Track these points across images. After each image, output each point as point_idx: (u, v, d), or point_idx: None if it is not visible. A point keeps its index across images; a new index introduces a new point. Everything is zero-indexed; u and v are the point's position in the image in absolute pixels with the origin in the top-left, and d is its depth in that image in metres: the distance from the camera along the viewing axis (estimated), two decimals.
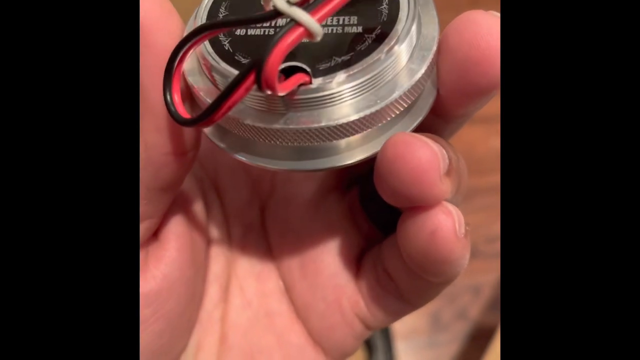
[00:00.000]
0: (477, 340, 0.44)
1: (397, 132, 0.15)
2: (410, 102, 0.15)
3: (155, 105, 0.15)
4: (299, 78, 0.14)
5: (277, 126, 0.14)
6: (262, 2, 0.15)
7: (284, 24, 0.12)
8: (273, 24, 0.16)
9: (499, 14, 0.15)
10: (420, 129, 0.16)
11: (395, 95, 0.14)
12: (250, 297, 0.21)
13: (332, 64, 0.14)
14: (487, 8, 0.15)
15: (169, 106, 0.15)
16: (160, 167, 0.16)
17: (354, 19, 0.15)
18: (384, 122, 0.15)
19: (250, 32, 0.16)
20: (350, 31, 0.15)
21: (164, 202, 0.18)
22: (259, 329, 0.21)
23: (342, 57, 0.14)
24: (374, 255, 0.20)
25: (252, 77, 0.12)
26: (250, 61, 0.12)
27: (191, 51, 0.15)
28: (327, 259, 0.20)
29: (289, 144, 0.15)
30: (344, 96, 0.14)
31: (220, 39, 0.15)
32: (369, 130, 0.15)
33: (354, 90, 0.14)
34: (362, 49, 0.14)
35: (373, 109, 0.14)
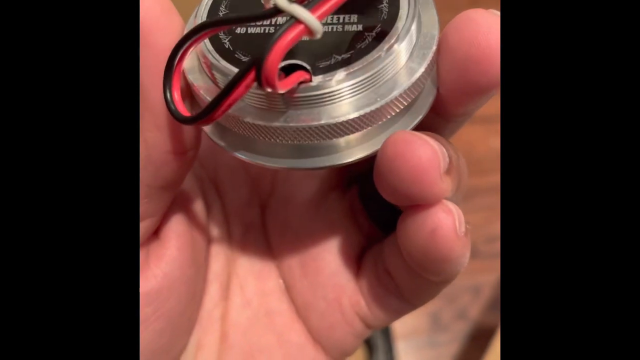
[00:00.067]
0: (477, 340, 0.44)
1: (397, 131, 0.15)
2: (410, 101, 0.15)
3: (155, 104, 0.15)
4: (299, 76, 0.14)
5: (277, 124, 0.14)
6: (262, 0, 0.15)
7: (284, 22, 0.12)
8: (273, 22, 0.16)
9: (499, 13, 0.15)
10: (420, 127, 0.16)
11: (395, 93, 0.14)
12: (250, 296, 0.21)
13: (332, 62, 0.14)
14: (487, 8, 0.15)
15: (168, 104, 0.15)
16: (160, 166, 0.16)
17: (354, 18, 0.15)
18: (384, 120, 0.15)
19: (251, 30, 0.16)
20: (350, 29, 0.15)
21: (165, 201, 0.18)
22: (259, 328, 0.21)
23: (342, 55, 0.14)
24: (375, 254, 0.20)
25: (252, 75, 0.12)
26: (250, 59, 0.12)
27: (191, 49, 0.15)
28: (328, 258, 0.20)
29: (289, 142, 0.15)
30: (343, 94, 0.14)
31: (221, 37, 0.15)
32: (369, 128, 0.15)
33: (354, 88, 0.14)
34: (362, 47, 0.14)
35: (373, 107, 0.14)
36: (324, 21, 0.13)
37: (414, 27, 0.15)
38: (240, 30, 0.16)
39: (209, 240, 0.21)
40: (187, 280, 0.19)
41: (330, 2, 0.13)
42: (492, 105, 0.17)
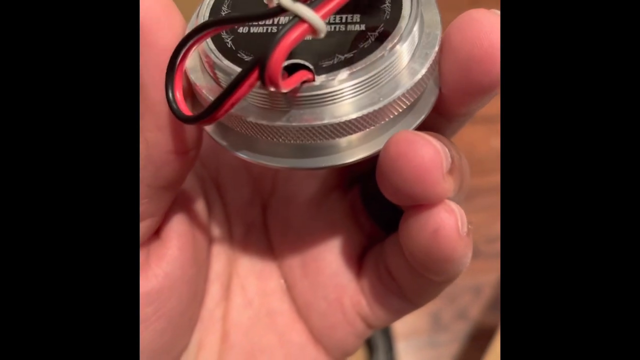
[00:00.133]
0: (478, 340, 0.44)
1: (399, 130, 0.15)
2: (412, 101, 0.15)
3: (156, 103, 0.15)
4: (302, 75, 0.14)
5: (279, 123, 0.14)
6: (265, 1, 0.15)
7: (287, 22, 0.12)
8: (275, 22, 0.16)
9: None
10: (422, 127, 0.16)
11: (398, 93, 0.14)
12: (251, 296, 0.21)
13: (335, 62, 0.14)
14: (488, 8, 0.15)
15: (171, 104, 0.15)
16: (161, 166, 0.16)
17: (357, 17, 0.15)
18: (386, 120, 0.15)
19: (253, 29, 0.16)
20: (353, 29, 0.15)
21: (166, 201, 0.18)
22: (260, 328, 0.21)
23: (345, 55, 0.14)
24: (376, 253, 0.20)
25: (255, 74, 0.12)
26: (254, 57, 0.12)
27: (194, 48, 0.15)
28: (329, 258, 0.20)
29: (292, 141, 0.15)
30: (346, 94, 0.14)
31: (223, 36, 0.15)
32: (371, 128, 0.15)
33: (357, 88, 0.14)
34: (365, 46, 0.14)
35: (375, 107, 0.14)
36: (326, 21, 0.13)
37: (416, 27, 0.15)
38: (242, 29, 0.16)
39: (210, 240, 0.21)
40: (188, 280, 0.19)
41: (334, 1, 0.13)
42: (494, 106, 0.17)
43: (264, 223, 0.22)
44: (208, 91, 0.15)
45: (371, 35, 0.15)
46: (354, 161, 0.15)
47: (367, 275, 0.20)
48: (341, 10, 0.14)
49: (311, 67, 0.14)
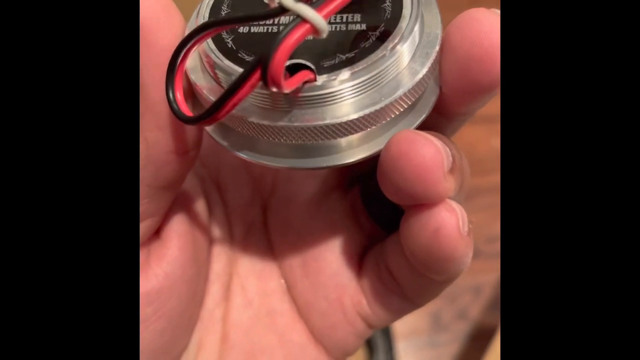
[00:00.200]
0: (478, 340, 0.44)
1: (401, 130, 0.15)
2: (413, 100, 0.15)
3: (156, 103, 0.15)
4: (303, 75, 0.14)
5: (281, 124, 0.14)
6: (266, 1, 0.15)
7: (287, 22, 0.12)
8: (276, 22, 0.16)
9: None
10: (422, 127, 0.16)
11: (399, 93, 0.14)
12: (251, 296, 0.21)
13: (336, 62, 0.14)
14: (488, 7, 0.15)
15: (171, 104, 0.15)
16: (161, 166, 0.16)
17: (358, 17, 0.15)
18: (387, 120, 0.15)
19: (254, 29, 0.16)
20: (354, 29, 0.15)
21: (166, 201, 0.18)
22: (260, 328, 0.21)
23: (346, 55, 0.14)
24: (376, 253, 0.20)
25: (257, 74, 0.12)
26: (256, 58, 0.12)
27: (194, 49, 0.15)
28: (329, 258, 0.20)
29: (293, 141, 0.15)
30: (348, 94, 0.14)
31: (223, 36, 0.15)
32: (372, 128, 0.15)
33: (358, 87, 0.14)
34: (366, 46, 0.14)
35: (377, 107, 0.14)
36: (327, 20, 0.13)
37: (417, 26, 0.15)
38: (243, 29, 0.16)
39: (210, 240, 0.21)
40: (188, 280, 0.19)
41: (335, 1, 0.13)
42: (494, 105, 0.17)
43: (264, 223, 0.22)
44: (208, 91, 0.15)
45: (372, 34, 0.15)
46: (355, 161, 0.15)
47: (367, 275, 0.20)
48: (342, 10, 0.14)
49: (312, 67, 0.14)
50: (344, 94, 0.14)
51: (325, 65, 0.14)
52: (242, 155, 0.16)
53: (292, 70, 0.14)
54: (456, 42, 0.15)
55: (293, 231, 0.21)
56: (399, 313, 0.20)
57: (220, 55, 0.15)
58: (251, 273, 0.21)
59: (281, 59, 0.12)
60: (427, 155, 0.14)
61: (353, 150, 0.16)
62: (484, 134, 0.52)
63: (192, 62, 0.16)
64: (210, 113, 0.13)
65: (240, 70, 0.14)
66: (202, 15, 0.16)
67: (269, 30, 0.15)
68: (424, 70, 0.15)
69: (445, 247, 0.15)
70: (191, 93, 0.16)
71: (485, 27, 0.14)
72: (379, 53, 0.14)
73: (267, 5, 0.15)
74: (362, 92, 0.14)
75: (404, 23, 0.15)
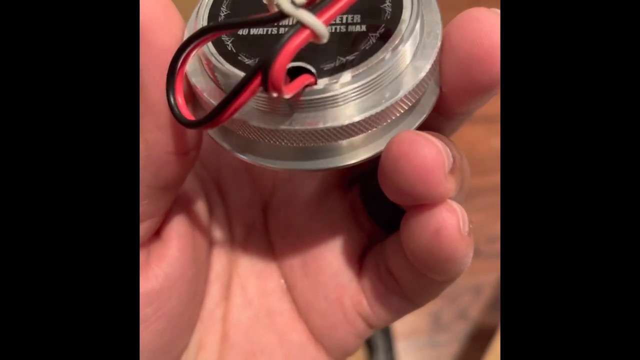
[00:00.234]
0: (478, 340, 0.44)
1: (401, 131, 0.15)
2: (414, 101, 0.15)
3: (156, 104, 0.15)
4: (304, 79, 0.14)
5: (282, 127, 0.14)
6: (265, 3, 0.15)
7: (287, 24, 0.12)
8: (276, 23, 0.15)
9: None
10: (421, 126, 0.16)
11: (400, 94, 0.14)
12: (251, 296, 0.21)
13: (337, 64, 0.14)
14: (488, 7, 0.15)
15: (172, 109, 0.15)
16: (161, 166, 0.16)
17: (357, 18, 0.15)
18: (389, 121, 0.15)
19: (253, 31, 0.15)
20: (354, 30, 0.15)
21: (166, 201, 0.18)
22: (260, 328, 0.21)
23: (347, 57, 0.14)
24: (377, 253, 0.20)
25: (258, 80, 0.12)
26: (256, 64, 0.12)
27: (193, 53, 0.15)
28: (329, 258, 0.20)
29: (294, 144, 0.15)
30: (349, 96, 0.14)
31: (223, 38, 0.15)
32: (374, 130, 0.15)
33: (359, 90, 0.14)
34: (367, 48, 0.14)
35: (378, 109, 0.14)
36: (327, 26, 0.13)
37: (417, 27, 0.15)
38: (242, 31, 0.16)
39: (210, 241, 0.21)
40: (189, 280, 0.19)
41: (336, 6, 0.12)
42: (494, 105, 0.17)
43: (265, 223, 0.22)
44: (209, 94, 0.15)
45: (372, 36, 0.15)
46: (356, 162, 0.15)
47: (367, 275, 0.20)
48: None
49: (313, 70, 0.14)
50: (345, 97, 0.14)
51: (325, 68, 0.14)
52: (243, 157, 0.16)
53: (293, 73, 0.14)
54: (456, 42, 0.15)
55: (293, 231, 0.21)
56: (399, 313, 0.20)
57: (220, 59, 0.15)
58: (251, 273, 0.21)
59: (282, 65, 0.12)
60: (428, 155, 0.14)
61: (354, 152, 0.16)
62: (484, 133, 0.52)
63: (192, 64, 0.16)
64: (212, 118, 0.13)
65: (240, 73, 0.14)
66: (202, 15, 0.16)
67: (269, 32, 0.15)
68: (425, 71, 0.15)
69: (446, 247, 0.15)
70: (192, 95, 0.16)
71: (486, 26, 0.14)
72: (379, 55, 0.14)
73: (266, 5, 0.15)
74: (363, 94, 0.14)
75: (404, 24, 0.15)
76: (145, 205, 0.17)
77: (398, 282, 0.19)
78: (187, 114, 0.15)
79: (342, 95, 0.14)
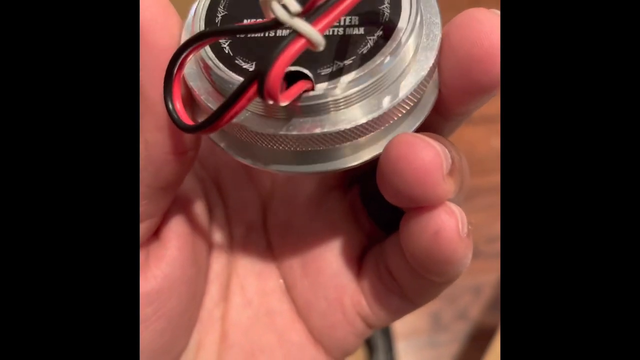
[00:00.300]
0: (478, 340, 0.44)
1: (400, 133, 0.15)
2: (413, 104, 0.15)
3: (155, 104, 0.15)
4: (301, 86, 0.14)
5: (280, 132, 0.14)
6: (261, 8, 0.15)
7: (285, 36, 0.12)
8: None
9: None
10: (420, 127, 0.16)
11: (400, 97, 0.14)
12: (251, 296, 0.21)
13: (335, 69, 0.14)
14: (488, 7, 0.15)
15: (171, 113, 0.15)
16: (161, 167, 0.16)
17: (355, 20, 0.15)
18: (387, 125, 0.15)
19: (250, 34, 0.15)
20: (351, 32, 0.15)
21: (165, 201, 0.18)
22: (259, 328, 0.21)
23: (345, 61, 0.14)
24: (376, 253, 0.20)
25: (254, 88, 0.12)
26: (252, 72, 0.12)
27: (190, 57, 0.15)
28: (329, 258, 0.20)
29: (292, 149, 0.14)
30: (347, 101, 0.14)
31: (220, 41, 0.15)
32: (372, 133, 0.14)
33: (357, 94, 0.14)
34: (365, 52, 0.14)
35: (377, 114, 0.14)
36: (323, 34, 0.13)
37: (416, 28, 0.15)
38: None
39: (209, 240, 0.21)
40: (188, 280, 0.19)
41: (331, 15, 0.12)
42: (493, 105, 0.17)
43: (264, 223, 0.22)
44: (207, 97, 0.15)
45: (370, 38, 0.14)
46: (355, 165, 0.15)
47: (367, 275, 0.20)
48: None
49: (310, 75, 0.14)
50: (344, 102, 0.14)
51: (323, 73, 0.14)
52: (243, 160, 0.16)
53: (289, 77, 0.14)
54: (456, 43, 0.15)
55: (292, 231, 0.21)
56: (399, 313, 0.20)
57: (217, 62, 0.15)
58: (250, 273, 0.21)
59: (277, 74, 0.12)
60: (427, 158, 0.14)
61: (354, 155, 0.15)
62: (483, 133, 0.52)
63: (190, 67, 0.16)
64: (209, 123, 0.13)
65: (237, 78, 0.14)
66: (199, 16, 0.16)
67: (266, 34, 0.15)
68: (424, 73, 0.14)
69: (445, 249, 0.15)
70: (191, 97, 0.16)
71: (486, 27, 0.14)
72: (377, 59, 0.14)
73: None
74: (361, 98, 0.14)
75: (402, 25, 0.14)
76: (145, 205, 0.17)
77: (397, 283, 0.19)
78: (185, 117, 0.15)
79: (340, 100, 0.14)
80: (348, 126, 0.14)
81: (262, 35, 0.15)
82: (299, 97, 0.14)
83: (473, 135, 0.52)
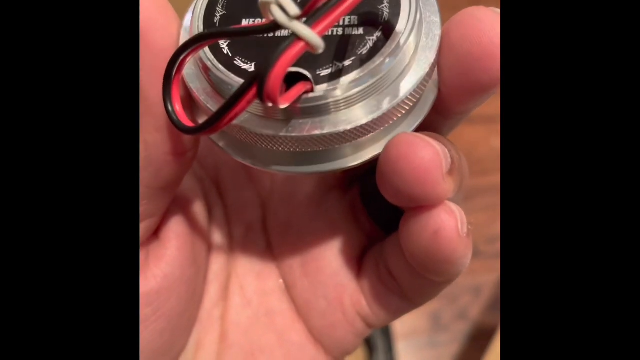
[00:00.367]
0: (477, 340, 0.44)
1: (400, 132, 0.15)
2: (413, 104, 0.15)
3: (154, 104, 0.15)
4: (300, 88, 0.14)
5: (280, 134, 0.14)
6: (260, 10, 0.15)
7: (285, 38, 0.12)
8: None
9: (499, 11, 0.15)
10: (419, 126, 0.16)
11: (400, 98, 0.14)
12: (250, 295, 0.21)
13: (334, 70, 0.14)
14: (488, 6, 0.15)
15: (170, 115, 0.15)
16: (160, 167, 0.16)
17: (354, 20, 0.15)
18: (387, 125, 0.15)
19: None
20: (351, 33, 0.15)
21: (164, 201, 0.18)
22: (259, 328, 0.21)
23: (344, 62, 0.14)
24: (376, 253, 0.20)
25: (253, 91, 0.12)
26: (251, 74, 0.12)
27: (189, 59, 0.15)
28: (329, 257, 0.20)
29: (292, 149, 0.14)
30: (347, 102, 0.14)
31: (219, 41, 0.15)
32: (372, 134, 0.14)
33: (357, 95, 0.14)
34: (364, 52, 0.14)
35: (376, 114, 0.14)
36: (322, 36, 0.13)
37: (415, 28, 0.15)
38: None
39: (209, 240, 0.21)
40: (187, 280, 0.19)
41: (330, 17, 0.12)
42: (493, 105, 0.17)
43: (264, 223, 0.22)
44: (206, 98, 0.15)
45: (370, 39, 0.14)
46: (355, 165, 0.15)
47: (367, 274, 0.20)
48: None
49: (310, 76, 0.14)
50: (343, 103, 0.14)
51: (322, 74, 0.14)
52: (242, 160, 0.16)
53: (289, 78, 0.14)
54: (456, 41, 0.15)
55: (292, 231, 0.21)
56: (399, 313, 0.20)
57: (216, 63, 0.15)
58: (250, 273, 0.21)
59: (277, 77, 0.12)
60: (426, 157, 0.14)
61: (354, 155, 0.15)
62: (483, 133, 0.52)
63: (189, 67, 0.16)
64: (209, 125, 0.13)
65: (237, 79, 0.14)
66: (197, 15, 0.16)
67: (265, 35, 0.15)
68: (424, 73, 0.14)
69: (445, 249, 0.15)
70: (190, 98, 0.16)
71: (486, 25, 0.14)
72: (377, 59, 0.14)
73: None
74: (361, 99, 0.14)
75: (402, 25, 0.14)
76: (145, 205, 0.17)
77: (397, 282, 0.19)
78: (185, 119, 0.15)
79: (340, 101, 0.14)
80: (348, 127, 0.14)
81: (261, 35, 0.15)
82: (298, 99, 0.14)
83: (473, 135, 0.52)
